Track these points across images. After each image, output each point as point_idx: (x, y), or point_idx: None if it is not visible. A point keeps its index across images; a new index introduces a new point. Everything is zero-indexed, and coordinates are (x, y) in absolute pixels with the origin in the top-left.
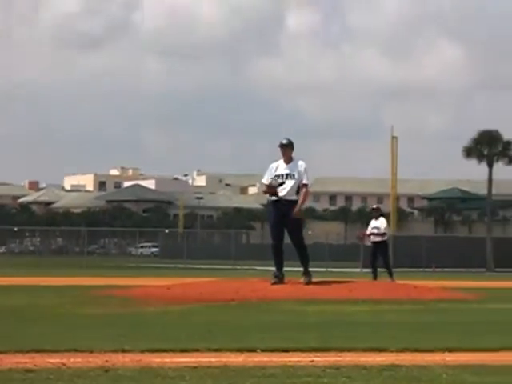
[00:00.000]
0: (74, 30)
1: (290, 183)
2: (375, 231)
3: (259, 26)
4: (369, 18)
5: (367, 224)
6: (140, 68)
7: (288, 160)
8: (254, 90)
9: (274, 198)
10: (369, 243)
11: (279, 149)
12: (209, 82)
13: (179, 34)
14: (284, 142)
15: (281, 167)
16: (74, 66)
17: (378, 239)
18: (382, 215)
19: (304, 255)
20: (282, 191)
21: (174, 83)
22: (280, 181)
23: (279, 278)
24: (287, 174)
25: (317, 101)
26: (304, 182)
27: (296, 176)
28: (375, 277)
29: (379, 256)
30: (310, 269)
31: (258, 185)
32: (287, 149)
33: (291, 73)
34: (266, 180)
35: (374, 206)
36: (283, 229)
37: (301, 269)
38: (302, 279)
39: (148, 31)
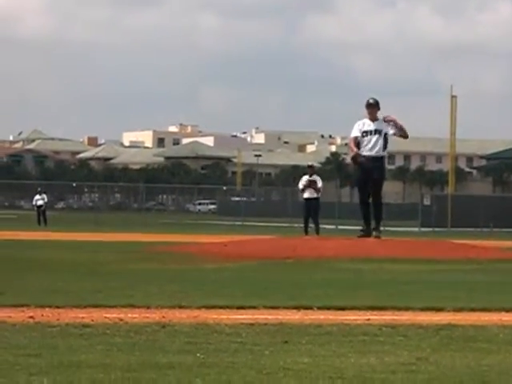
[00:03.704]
0: None
1: (375, 139)
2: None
3: None
4: None
5: (425, 183)
6: (198, 25)
7: (374, 118)
8: (311, 47)
9: (361, 153)
10: (306, 195)
11: (366, 108)
12: (266, 40)
13: None
14: (371, 101)
15: (367, 124)
16: (132, 24)
17: (314, 195)
18: (316, 173)
19: (379, 211)
20: (368, 147)
21: (232, 41)
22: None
23: (366, 232)
24: (375, 130)
25: (372, 59)
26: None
27: (383, 133)
28: (307, 232)
29: (312, 212)
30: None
31: (316, 142)
32: (374, 108)
33: (346, 31)
34: (354, 134)
35: (310, 164)
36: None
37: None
38: (374, 233)
39: None
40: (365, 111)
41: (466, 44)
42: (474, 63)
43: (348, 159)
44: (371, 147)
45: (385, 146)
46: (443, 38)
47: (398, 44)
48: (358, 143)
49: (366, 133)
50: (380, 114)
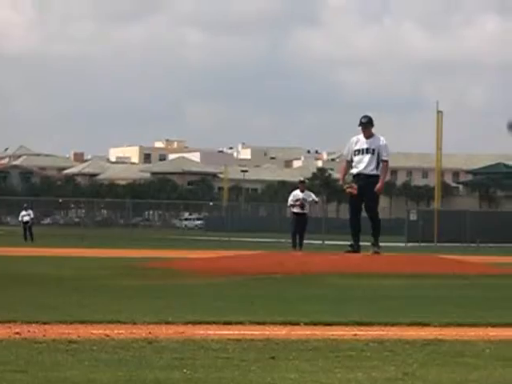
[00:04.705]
0: (116, 2)
1: (368, 158)
2: (304, 203)
3: None
4: None
5: (411, 198)
6: (184, 41)
7: (368, 136)
8: (298, 62)
9: (354, 172)
10: (295, 210)
11: (360, 127)
12: (252, 55)
13: (220, 7)
14: (363, 120)
15: (361, 142)
16: (118, 39)
17: (303, 211)
18: (307, 189)
19: (377, 227)
20: (360, 165)
21: (218, 56)
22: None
23: (353, 248)
24: (367, 149)
25: (359, 74)
26: (384, 158)
27: (376, 151)
28: (295, 246)
29: (299, 227)
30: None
31: (302, 158)
32: (367, 126)
33: (333, 46)
34: (346, 155)
35: (301, 179)
36: (361, 202)
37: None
38: (371, 250)
39: (189, 4)
40: (359, 129)
41: (452, 59)
42: (459, 78)
43: (334, 175)
44: (364, 167)
45: (377, 165)
46: (429, 53)
47: (384, 59)
48: (350, 162)
49: (358, 151)
50: (379, 137)
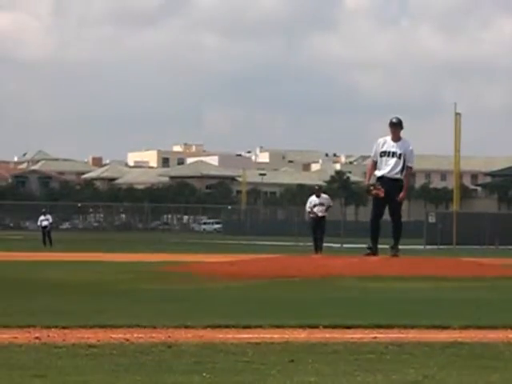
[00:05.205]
0: (135, 5)
1: (394, 161)
2: (320, 208)
3: (317, 2)
4: None
5: (430, 201)
6: (202, 45)
7: (396, 139)
8: (314, 66)
9: (378, 174)
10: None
11: (389, 127)
12: (269, 59)
13: (237, 11)
14: (394, 120)
15: (388, 144)
16: (136, 44)
17: (321, 214)
18: (325, 192)
19: (399, 230)
20: (386, 168)
21: (235, 60)
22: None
23: (372, 251)
24: (394, 153)
25: (375, 77)
26: (409, 164)
27: (402, 156)
28: (317, 248)
29: (318, 230)
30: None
31: (320, 161)
32: (397, 127)
33: (349, 49)
34: (374, 156)
35: (317, 186)
36: (385, 205)
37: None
38: (390, 252)
39: (205, 9)
40: (388, 129)
41: (470, 61)
42: (477, 80)
43: (352, 178)
44: (389, 170)
45: (402, 170)
46: (446, 55)
47: (401, 62)
48: (375, 164)
49: (384, 153)
50: (408, 142)
